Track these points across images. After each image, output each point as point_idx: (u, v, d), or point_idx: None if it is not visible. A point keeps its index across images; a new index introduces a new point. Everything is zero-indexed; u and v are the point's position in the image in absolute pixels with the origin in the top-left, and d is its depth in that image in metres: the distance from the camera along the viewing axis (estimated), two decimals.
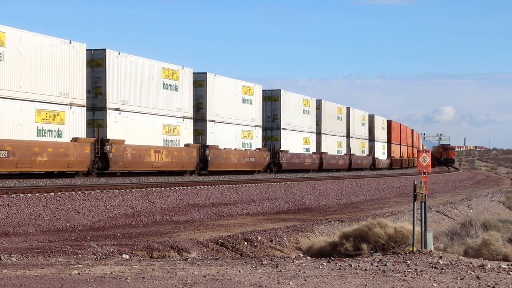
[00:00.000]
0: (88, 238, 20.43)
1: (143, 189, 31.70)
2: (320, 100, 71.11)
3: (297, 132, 64.61)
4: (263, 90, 59.30)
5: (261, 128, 57.78)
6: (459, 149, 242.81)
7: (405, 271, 13.79)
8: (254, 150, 55.95)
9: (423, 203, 18.17)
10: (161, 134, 44.68)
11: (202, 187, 35.77)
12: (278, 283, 12.37)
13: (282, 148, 60.97)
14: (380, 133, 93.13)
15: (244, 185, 39.59)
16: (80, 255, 16.62)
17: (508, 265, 15.32)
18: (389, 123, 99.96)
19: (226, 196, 34.94)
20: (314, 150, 68.81)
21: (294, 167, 63.21)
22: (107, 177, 39.54)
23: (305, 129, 66.38)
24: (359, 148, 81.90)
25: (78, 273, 13.17)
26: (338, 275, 13.32)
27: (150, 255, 18.10)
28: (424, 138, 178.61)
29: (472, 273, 13.75)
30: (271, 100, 60.82)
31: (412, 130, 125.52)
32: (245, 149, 54.69)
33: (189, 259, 15.97)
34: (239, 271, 13.57)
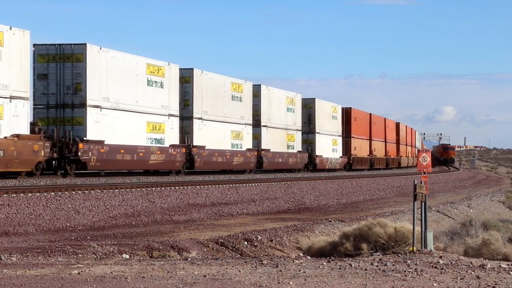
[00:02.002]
0: (88, 237, 20.42)
1: (143, 189, 31.71)
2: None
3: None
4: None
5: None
6: (459, 149, 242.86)
7: (405, 271, 13.79)
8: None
9: (423, 203, 18.17)
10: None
11: (202, 186, 35.78)
12: (278, 282, 12.37)
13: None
14: (328, 124, 73.05)
15: (244, 184, 39.60)
16: (80, 255, 16.62)
17: (508, 264, 15.32)
18: (347, 111, 79.69)
19: (226, 195, 34.95)
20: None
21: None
22: (106, 177, 39.57)
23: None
24: (281, 142, 62.46)
25: (78, 273, 13.17)
26: (338, 274, 13.32)
27: (150, 254, 18.10)
28: (424, 137, 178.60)
29: (472, 272, 13.74)
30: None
31: (398, 124, 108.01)
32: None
33: (189, 259, 15.97)
34: (239, 271, 13.57)
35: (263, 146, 58.77)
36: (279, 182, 43.93)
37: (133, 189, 31.17)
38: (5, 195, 25.30)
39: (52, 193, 27.10)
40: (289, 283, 12.29)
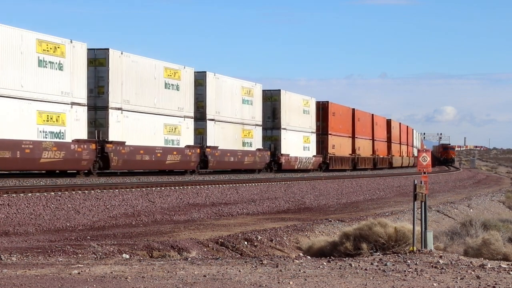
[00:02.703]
0: (88, 237, 20.42)
1: (143, 189, 31.71)
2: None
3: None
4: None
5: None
6: (459, 149, 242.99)
7: (405, 271, 13.79)
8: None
9: (423, 203, 18.16)
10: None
11: (202, 186, 35.78)
12: (278, 282, 12.37)
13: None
14: (298, 119, 65.52)
15: (244, 184, 39.62)
16: (80, 255, 16.62)
17: (508, 264, 15.32)
18: (323, 106, 72.58)
19: (226, 195, 34.95)
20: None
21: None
22: (106, 177, 39.57)
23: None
24: (234, 139, 54.58)
25: (78, 273, 13.17)
26: (338, 274, 13.32)
27: (150, 254, 18.10)
28: (424, 137, 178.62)
29: (472, 272, 13.74)
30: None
31: (389, 121, 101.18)
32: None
33: (189, 259, 15.97)
34: (239, 271, 13.57)
35: (210, 143, 50.51)
36: (279, 182, 43.95)
37: (133, 189, 31.17)
38: (5, 195, 25.30)
39: (52, 193, 27.11)
40: (289, 283, 12.29)
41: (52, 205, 25.55)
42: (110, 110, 40.64)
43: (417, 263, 15.07)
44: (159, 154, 44.26)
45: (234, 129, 54.38)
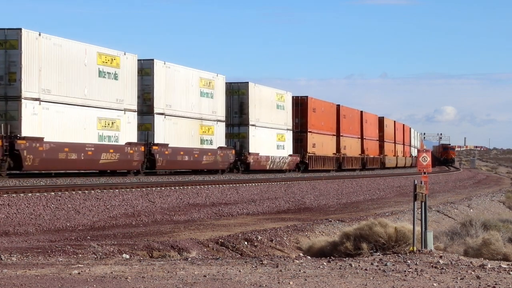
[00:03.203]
0: (89, 237, 20.43)
1: (143, 189, 31.71)
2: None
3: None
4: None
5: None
6: (459, 149, 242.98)
7: (405, 271, 13.78)
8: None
9: (423, 203, 18.17)
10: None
11: (202, 186, 35.78)
12: (278, 282, 12.37)
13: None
14: (270, 115, 59.50)
15: (244, 184, 39.61)
16: (80, 255, 16.62)
17: (508, 264, 15.32)
18: (302, 101, 66.84)
19: (226, 195, 34.95)
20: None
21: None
22: (106, 177, 39.56)
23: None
24: (190, 136, 48.64)
25: (79, 273, 13.17)
26: (338, 274, 13.32)
27: (150, 254, 18.10)
28: (424, 137, 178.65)
29: (473, 272, 13.74)
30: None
31: (381, 118, 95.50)
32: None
33: (189, 259, 15.97)
34: (239, 271, 13.57)
35: (159, 140, 44.67)
36: (279, 182, 43.95)
37: (133, 189, 31.17)
38: (5, 195, 25.30)
39: (52, 193, 27.10)
40: (289, 283, 12.28)
41: (52, 205, 25.55)
42: (23, 100, 34.75)
43: (417, 263, 15.07)
44: (90, 153, 38.51)
45: (190, 124, 48.24)
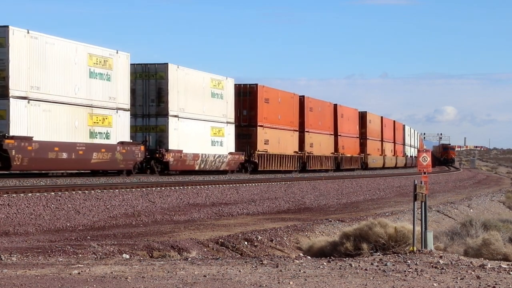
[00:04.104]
0: (89, 237, 20.43)
1: (143, 189, 31.71)
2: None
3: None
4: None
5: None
6: (460, 149, 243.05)
7: (405, 271, 13.78)
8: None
9: (423, 203, 18.17)
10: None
11: (202, 186, 35.79)
12: (279, 282, 12.37)
13: None
14: (202, 104, 49.04)
15: (244, 184, 39.61)
16: (80, 255, 16.62)
17: (508, 265, 15.32)
18: (250, 90, 56.31)
19: (227, 195, 34.95)
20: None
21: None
22: (107, 177, 39.56)
23: None
24: (73, 127, 37.86)
25: (79, 273, 13.17)
26: (339, 274, 13.31)
27: (150, 254, 18.10)
28: (424, 137, 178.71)
29: (473, 272, 13.74)
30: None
31: (364, 114, 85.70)
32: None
33: (189, 259, 15.97)
34: (239, 271, 13.57)
35: (20, 132, 34.06)
36: (279, 182, 43.96)
37: (133, 189, 31.17)
38: (5, 195, 25.30)
39: (52, 193, 27.10)
40: (289, 283, 12.28)
41: (52, 205, 25.55)
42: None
43: (417, 263, 15.06)
44: None
45: (72, 113, 37.76)
